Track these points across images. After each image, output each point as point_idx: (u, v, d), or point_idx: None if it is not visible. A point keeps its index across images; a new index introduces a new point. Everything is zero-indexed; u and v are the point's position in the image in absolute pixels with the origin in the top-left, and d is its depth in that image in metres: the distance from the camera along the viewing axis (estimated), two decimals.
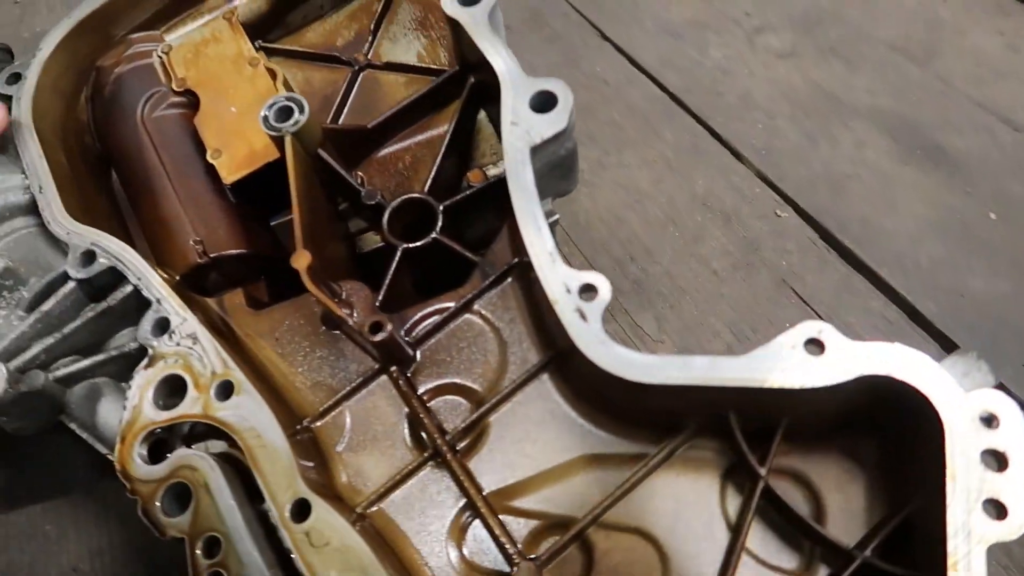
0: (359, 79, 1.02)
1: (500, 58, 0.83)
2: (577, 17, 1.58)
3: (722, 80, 1.43)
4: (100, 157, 1.00)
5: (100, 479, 0.96)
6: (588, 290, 0.71)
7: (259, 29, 1.04)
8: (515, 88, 0.81)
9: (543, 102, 0.80)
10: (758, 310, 1.09)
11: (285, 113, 0.83)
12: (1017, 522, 0.57)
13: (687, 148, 1.32)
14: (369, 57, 1.03)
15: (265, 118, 0.83)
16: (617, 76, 1.46)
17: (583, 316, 0.69)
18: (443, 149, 0.91)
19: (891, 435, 0.69)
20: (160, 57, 0.99)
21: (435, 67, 1.01)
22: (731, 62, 1.46)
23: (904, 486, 0.67)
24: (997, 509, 0.58)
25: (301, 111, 0.83)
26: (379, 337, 0.72)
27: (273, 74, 0.87)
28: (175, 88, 0.96)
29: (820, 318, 1.05)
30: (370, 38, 1.05)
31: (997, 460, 0.60)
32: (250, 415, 0.71)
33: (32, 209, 0.85)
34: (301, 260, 0.76)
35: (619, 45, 1.52)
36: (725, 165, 1.29)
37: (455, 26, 0.88)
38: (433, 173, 0.89)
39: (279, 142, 0.85)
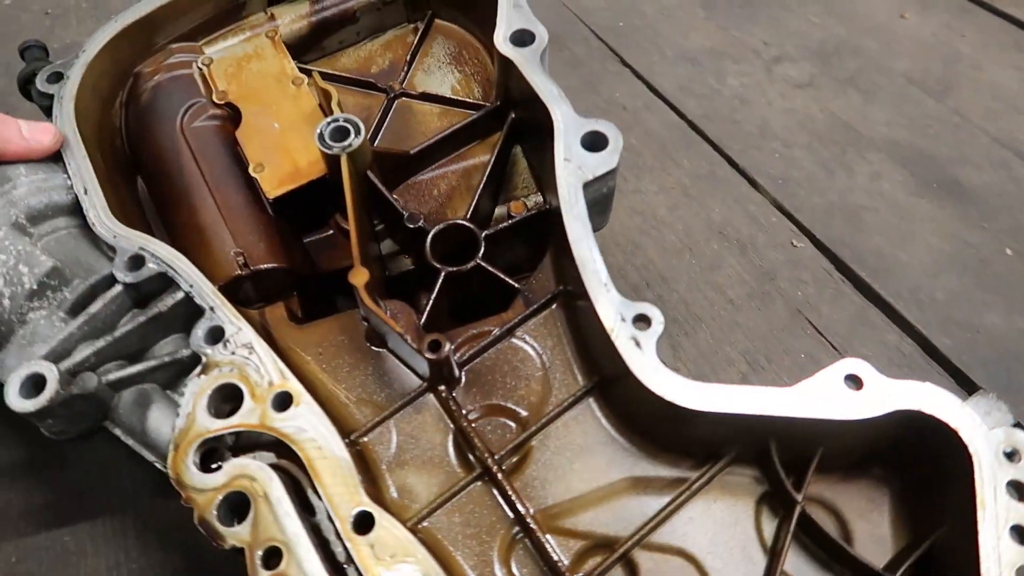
0: (394, 106, 1.05)
1: (552, 97, 0.87)
2: (597, 43, 1.62)
3: (740, 108, 1.46)
4: (128, 162, 1.00)
5: (123, 493, 0.94)
6: (641, 320, 0.75)
7: (297, 50, 1.06)
8: (567, 127, 0.85)
9: (594, 142, 0.84)
10: (773, 340, 1.11)
11: (341, 133, 0.85)
12: None
13: (704, 176, 1.34)
14: (404, 86, 1.07)
15: (321, 136, 0.85)
16: (635, 102, 1.49)
17: (638, 344, 0.73)
18: (484, 180, 0.94)
19: (914, 468, 0.74)
20: (200, 68, 1.00)
21: (470, 100, 1.05)
22: (749, 91, 1.50)
23: (928, 515, 0.72)
24: (1021, 535, 0.64)
25: (357, 132, 0.85)
26: (438, 355, 0.74)
27: (328, 95, 0.89)
28: (216, 100, 0.97)
29: (835, 350, 1.10)
30: (405, 68, 1.08)
31: (1019, 491, 0.66)
32: (309, 427, 0.71)
33: (73, 210, 0.84)
34: (359, 277, 0.78)
35: (638, 71, 1.55)
36: (742, 194, 1.31)
37: (506, 64, 0.92)
38: (475, 202, 0.92)
39: (331, 161, 0.87)
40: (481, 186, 0.94)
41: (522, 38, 0.93)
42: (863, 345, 1.10)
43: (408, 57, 1.09)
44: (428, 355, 0.74)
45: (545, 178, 0.94)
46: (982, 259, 1.21)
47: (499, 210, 1.00)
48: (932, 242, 1.24)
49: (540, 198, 0.99)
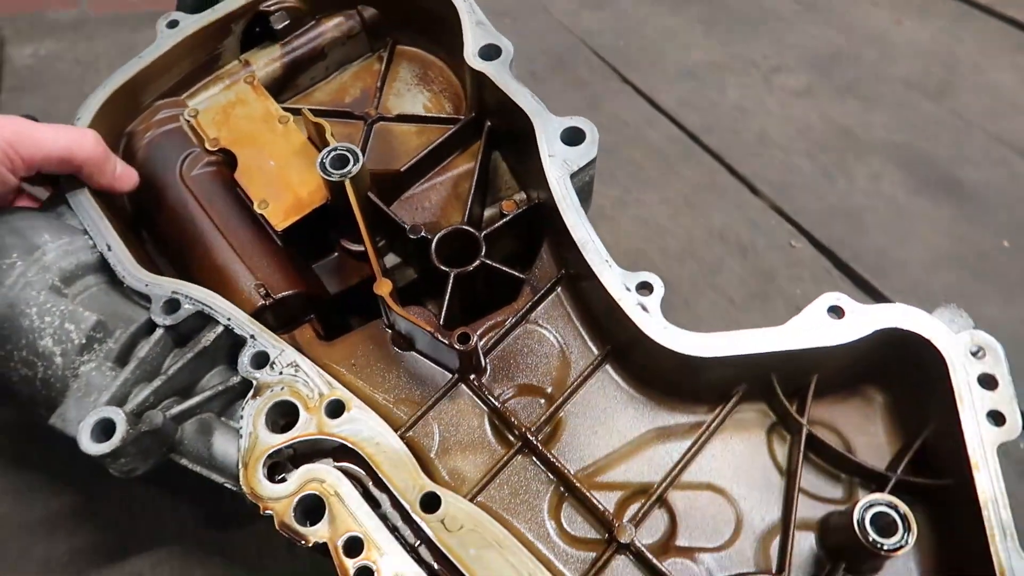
0: (373, 130, 1.12)
1: (527, 102, 0.95)
2: (599, 63, 1.67)
3: (740, 119, 1.51)
4: (129, 217, 1.04)
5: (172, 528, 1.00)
6: (644, 287, 0.84)
7: (273, 91, 1.12)
8: (545, 126, 0.94)
9: (573, 136, 0.93)
10: None
11: (341, 161, 0.92)
12: (1013, 426, 0.74)
13: (705, 184, 1.39)
14: (379, 111, 1.14)
15: (323, 165, 0.92)
16: (637, 117, 1.54)
17: (645, 309, 0.82)
18: (473, 186, 1.02)
19: (898, 381, 0.85)
20: (188, 120, 1.05)
21: (444, 116, 1.12)
22: (748, 101, 1.55)
23: (916, 419, 0.83)
24: (996, 418, 0.75)
25: (356, 159, 0.92)
26: (467, 347, 0.82)
27: (321, 128, 0.96)
28: (209, 148, 1.03)
29: None
30: (377, 94, 1.15)
31: (987, 383, 0.77)
32: (364, 427, 0.78)
33: (99, 267, 0.89)
34: (384, 287, 0.85)
35: (640, 88, 1.60)
36: (742, 200, 1.36)
37: (479, 78, 1.00)
38: (469, 207, 1.00)
39: (334, 187, 0.93)
40: (472, 193, 1.01)
41: (490, 52, 1.01)
42: None
43: (378, 84, 1.16)
44: (458, 347, 0.82)
45: (528, 176, 1.03)
46: (980, 253, 1.25)
47: (488, 211, 1.07)
48: (931, 239, 1.26)
49: (523, 195, 1.07)
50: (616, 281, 0.83)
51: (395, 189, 1.05)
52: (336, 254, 1.06)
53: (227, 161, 1.03)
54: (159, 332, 0.83)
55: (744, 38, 1.74)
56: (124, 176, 0.95)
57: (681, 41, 1.75)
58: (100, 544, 0.96)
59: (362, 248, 1.03)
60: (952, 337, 0.78)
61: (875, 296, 1.25)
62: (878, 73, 1.62)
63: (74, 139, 0.89)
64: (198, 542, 1.01)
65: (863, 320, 0.80)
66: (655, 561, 0.76)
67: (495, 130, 1.06)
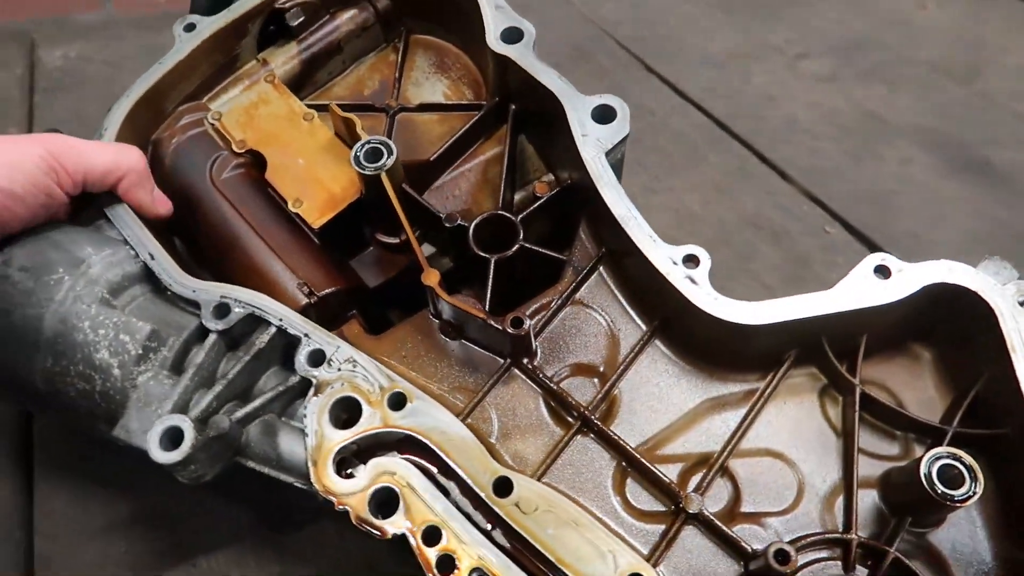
0: (395, 122, 1.12)
1: (555, 82, 0.95)
2: (622, 52, 1.67)
3: (766, 105, 1.51)
4: (159, 225, 1.04)
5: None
6: (690, 260, 0.84)
7: (293, 88, 1.11)
8: (575, 106, 0.94)
9: (604, 114, 0.93)
10: None
11: (375, 154, 0.92)
12: None
13: (734, 171, 1.39)
14: (400, 101, 1.13)
15: (357, 159, 0.92)
16: (663, 106, 1.54)
17: (693, 281, 0.83)
18: (504, 171, 1.02)
19: (946, 336, 0.86)
20: (212, 124, 1.05)
21: (466, 102, 1.12)
22: (774, 88, 1.55)
23: (966, 372, 0.84)
24: None
25: (390, 151, 0.92)
26: (520, 330, 0.82)
27: (351, 123, 0.96)
28: (237, 150, 1.02)
29: None
30: (396, 85, 1.15)
31: None
32: (428, 417, 0.79)
33: (143, 277, 0.88)
34: (432, 277, 0.85)
35: (664, 77, 1.60)
36: (772, 186, 1.36)
37: (502, 62, 1.00)
38: (502, 192, 1.00)
39: (369, 181, 0.93)
40: (504, 178, 1.02)
41: (512, 35, 1.00)
42: None
43: (396, 75, 1.16)
44: (511, 331, 0.82)
45: (558, 157, 1.03)
46: (1015, 235, 1.25)
47: (518, 195, 1.08)
48: (964, 222, 1.27)
49: (551, 176, 1.07)
50: (662, 256, 0.84)
51: (424, 179, 1.05)
52: (371, 248, 1.06)
53: (255, 162, 1.03)
54: (212, 337, 0.83)
55: (766, 24, 1.73)
56: (161, 199, 0.96)
57: (703, 28, 1.74)
58: (158, 544, 0.97)
59: (396, 240, 1.04)
60: (1000, 288, 0.79)
61: None
62: (903, 57, 1.61)
63: (118, 150, 0.89)
64: (252, 543, 1.03)
65: (910, 278, 0.81)
66: (725, 528, 0.77)
67: (520, 113, 1.06)
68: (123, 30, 1.89)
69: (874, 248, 1.29)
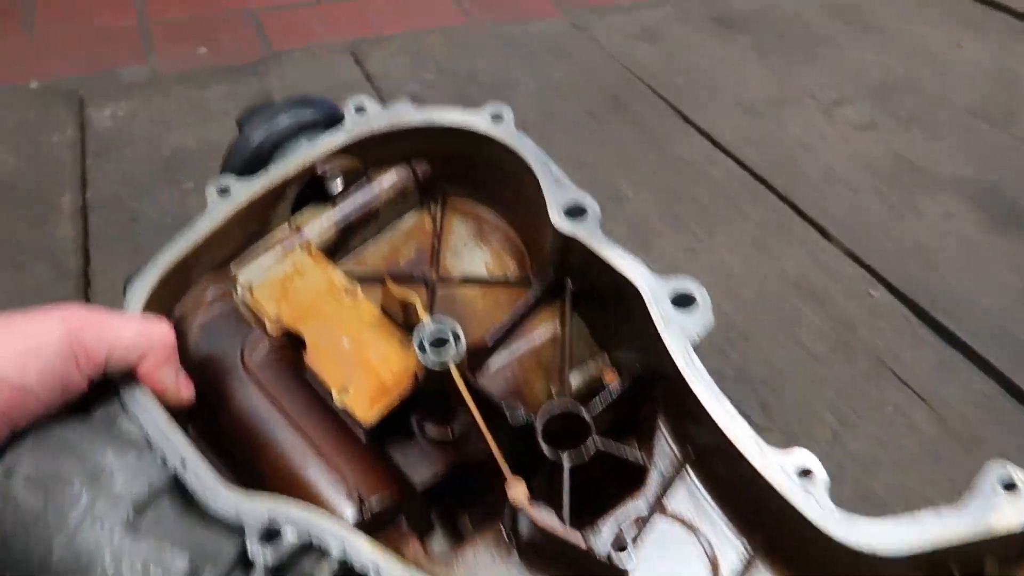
0: (436, 296, 1.04)
1: (630, 265, 0.89)
2: (656, 99, 1.64)
3: (803, 155, 1.47)
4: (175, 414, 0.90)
5: None
6: (805, 474, 0.76)
7: (326, 255, 1.02)
8: (653, 292, 0.88)
9: (683, 301, 0.87)
10: (857, 392, 1.10)
11: (440, 340, 0.83)
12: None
13: (773, 227, 1.34)
14: (439, 273, 1.06)
15: (422, 347, 0.82)
16: (698, 156, 1.49)
17: (816, 500, 0.74)
18: (567, 356, 0.94)
19: None
20: (243, 298, 0.94)
21: (513, 278, 1.05)
22: (810, 136, 1.51)
23: None
24: None
25: (456, 338, 0.83)
26: (624, 553, 0.72)
27: (410, 304, 0.86)
28: (271, 331, 0.91)
29: (920, 398, 1.11)
30: (436, 255, 1.07)
31: None
32: None
33: (170, 487, 0.74)
34: (519, 489, 0.75)
35: (699, 125, 1.56)
36: (812, 243, 1.31)
37: (566, 240, 0.94)
38: (568, 382, 0.92)
39: (432, 373, 0.83)
40: (567, 364, 0.94)
41: (575, 211, 0.95)
42: (946, 390, 1.09)
43: (435, 243, 1.09)
44: (616, 553, 0.71)
45: (622, 339, 0.96)
46: None
47: (574, 380, 0.99)
48: (1008, 279, 1.22)
49: (606, 358, 1.00)
50: (774, 466, 0.76)
51: (478, 364, 0.96)
52: (414, 440, 0.94)
53: (292, 343, 0.92)
54: (259, 573, 0.69)
55: (799, 67, 1.72)
56: (185, 383, 0.83)
57: (736, 72, 1.73)
58: None
59: (448, 434, 0.93)
60: None
61: (954, 343, 1.20)
62: (940, 99, 1.59)
63: (144, 322, 0.79)
64: None
65: None
66: None
67: (577, 293, 1.00)
68: (168, 85, 1.90)
69: (918, 311, 1.23)
